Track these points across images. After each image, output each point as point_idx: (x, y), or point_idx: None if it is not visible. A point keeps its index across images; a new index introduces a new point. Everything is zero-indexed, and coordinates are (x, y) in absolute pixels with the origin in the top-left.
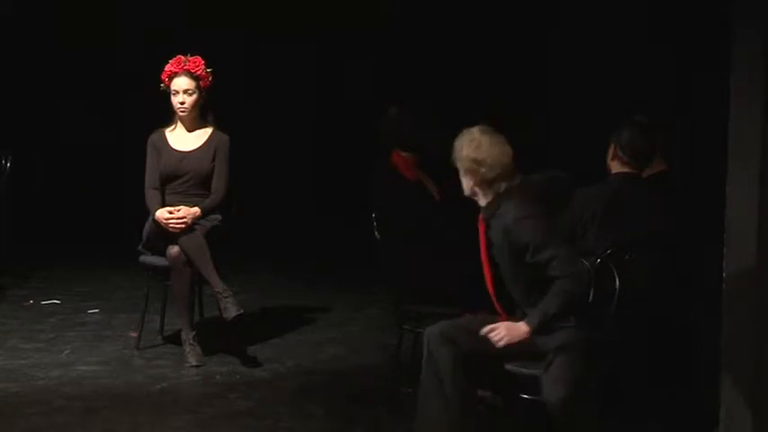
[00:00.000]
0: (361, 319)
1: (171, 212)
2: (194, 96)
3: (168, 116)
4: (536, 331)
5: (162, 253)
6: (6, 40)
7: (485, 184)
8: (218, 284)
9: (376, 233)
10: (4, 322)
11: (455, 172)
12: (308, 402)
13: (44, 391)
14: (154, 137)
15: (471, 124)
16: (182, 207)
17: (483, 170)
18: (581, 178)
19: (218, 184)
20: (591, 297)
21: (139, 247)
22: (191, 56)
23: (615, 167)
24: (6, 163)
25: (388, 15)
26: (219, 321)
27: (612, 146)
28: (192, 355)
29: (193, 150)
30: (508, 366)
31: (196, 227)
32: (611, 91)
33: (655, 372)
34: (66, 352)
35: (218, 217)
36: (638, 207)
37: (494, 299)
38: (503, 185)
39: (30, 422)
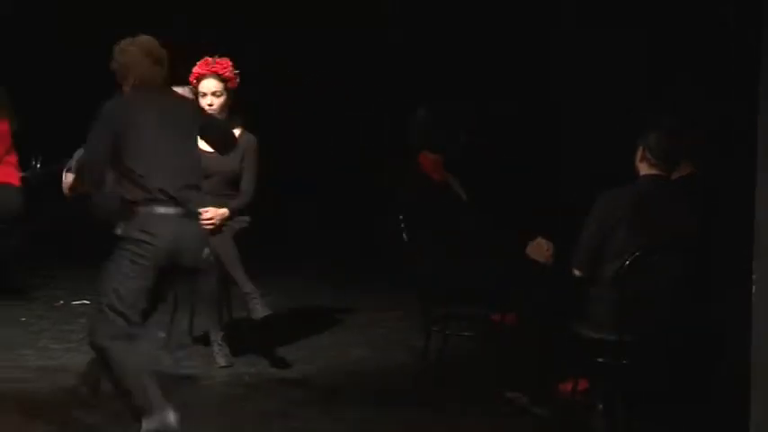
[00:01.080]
0: (388, 320)
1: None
2: (222, 98)
3: None
4: None
5: None
6: (6, 39)
7: (123, 78)
8: (246, 285)
9: (403, 234)
10: (35, 322)
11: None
12: (337, 403)
13: (71, 392)
14: None
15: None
16: (210, 208)
17: (116, 64)
18: (597, 179)
19: (247, 185)
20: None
21: None
22: (218, 57)
23: (643, 169)
24: (36, 164)
25: (388, 15)
26: (248, 322)
27: (640, 148)
28: (220, 355)
29: None
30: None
31: (224, 228)
32: (619, 94)
33: (680, 380)
34: None
35: (247, 218)
36: (665, 209)
37: None
38: (132, 83)
39: (59, 422)
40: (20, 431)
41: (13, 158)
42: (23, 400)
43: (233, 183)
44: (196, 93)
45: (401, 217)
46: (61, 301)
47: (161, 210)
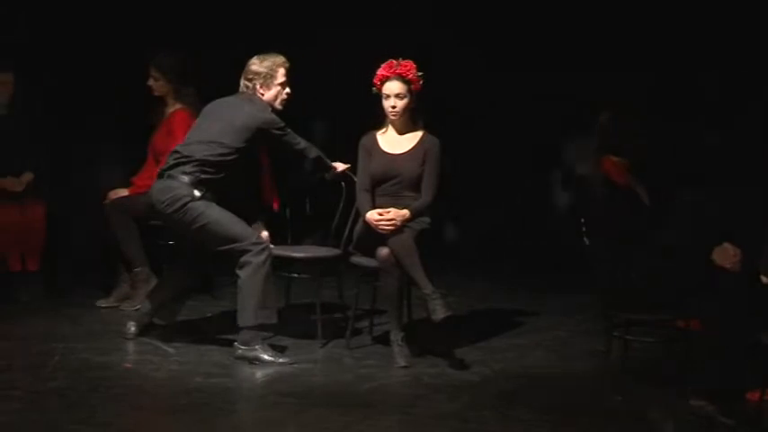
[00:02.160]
0: (569, 324)
1: (381, 214)
2: (405, 100)
3: (380, 119)
4: None
5: (372, 254)
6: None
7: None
8: (426, 286)
9: (585, 238)
10: (219, 318)
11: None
12: (515, 407)
13: (259, 387)
14: (365, 139)
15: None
16: (391, 209)
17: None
18: None
19: (428, 187)
20: None
21: (350, 248)
22: (402, 60)
23: None
24: None
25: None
26: (428, 323)
27: None
28: (400, 355)
29: (403, 153)
30: None
31: (406, 229)
32: None
33: None
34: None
35: (428, 219)
36: None
37: None
38: None
39: (244, 417)
40: (230, 426)
41: None
42: (223, 394)
43: (414, 184)
44: (380, 95)
45: (583, 221)
46: None
47: None
